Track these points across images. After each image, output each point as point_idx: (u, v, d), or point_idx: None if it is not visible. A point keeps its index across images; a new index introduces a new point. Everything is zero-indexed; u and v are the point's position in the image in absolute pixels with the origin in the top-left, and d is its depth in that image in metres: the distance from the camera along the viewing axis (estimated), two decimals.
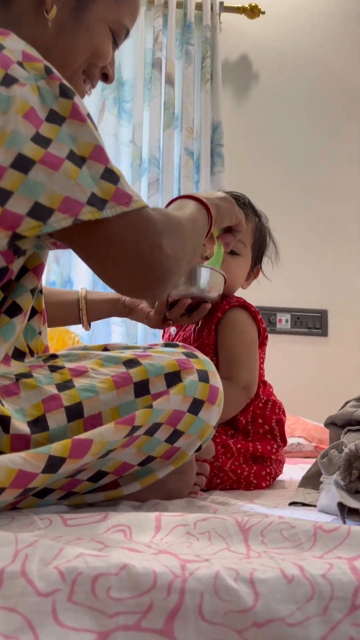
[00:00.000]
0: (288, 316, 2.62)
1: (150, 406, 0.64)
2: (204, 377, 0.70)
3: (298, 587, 0.40)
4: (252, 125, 2.68)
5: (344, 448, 0.69)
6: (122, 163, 2.47)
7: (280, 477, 1.13)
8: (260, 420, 1.08)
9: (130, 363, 0.68)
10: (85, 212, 0.59)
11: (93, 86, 0.76)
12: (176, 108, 2.53)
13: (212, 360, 1.09)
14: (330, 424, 0.87)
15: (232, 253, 1.14)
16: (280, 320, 2.61)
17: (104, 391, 0.64)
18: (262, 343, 1.15)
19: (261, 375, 1.14)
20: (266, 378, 1.17)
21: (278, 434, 1.10)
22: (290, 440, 1.76)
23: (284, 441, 1.11)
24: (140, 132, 2.47)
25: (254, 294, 1.31)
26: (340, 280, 2.66)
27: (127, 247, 0.62)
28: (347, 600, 0.40)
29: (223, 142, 2.51)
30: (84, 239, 0.63)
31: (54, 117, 0.60)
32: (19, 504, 0.61)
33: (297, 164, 2.69)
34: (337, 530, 0.47)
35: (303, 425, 1.81)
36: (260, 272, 1.24)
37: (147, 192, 2.43)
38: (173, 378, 0.68)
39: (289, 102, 2.71)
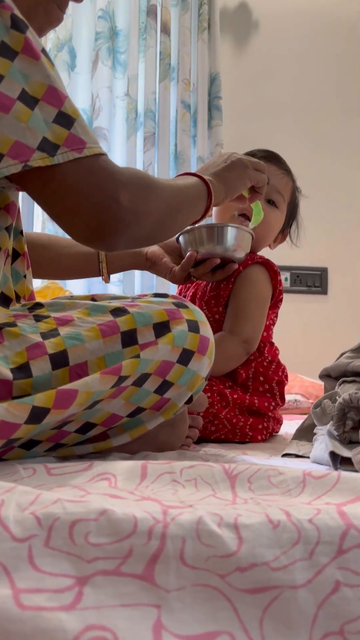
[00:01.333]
0: (288, 274, 2.58)
1: (138, 356, 0.62)
2: (194, 327, 0.67)
3: (284, 532, 0.39)
4: (251, 77, 2.59)
5: (337, 398, 0.68)
6: (117, 117, 2.40)
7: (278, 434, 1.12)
8: (261, 378, 1.07)
9: (118, 312, 0.66)
10: (35, 157, 0.57)
11: (62, 11, 0.71)
12: (172, 59, 2.44)
13: (222, 311, 1.09)
14: (325, 375, 0.85)
15: (271, 203, 1.13)
16: None
17: (90, 340, 0.62)
18: (275, 305, 1.14)
19: (269, 336, 1.13)
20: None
21: (277, 393, 1.09)
22: (287, 397, 1.75)
23: (283, 401, 1.10)
24: (135, 84, 2.39)
25: None
26: (340, 237, 2.62)
27: (81, 196, 0.60)
28: (334, 545, 0.39)
29: (221, 95, 2.43)
30: (38, 186, 0.61)
31: (5, 51, 0.56)
32: (5, 455, 0.60)
33: (299, 117, 2.61)
34: (327, 476, 0.46)
35: (300, 383, 1.80)
36: (288, 238, 1.23)
37: (142, 146, 2.37)
38: (162, 328, 0.66)
39: (290, 52, 2.61)
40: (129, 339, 0.64)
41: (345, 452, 0.59)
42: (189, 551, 0.38)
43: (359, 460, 0.53)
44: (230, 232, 1.01)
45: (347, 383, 0.78)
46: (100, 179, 0.61)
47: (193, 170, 0.90)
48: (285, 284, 2.58)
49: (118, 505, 0.40)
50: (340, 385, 0.78)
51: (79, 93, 2.36)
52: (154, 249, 1.08)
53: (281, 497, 0.45)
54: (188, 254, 1.02)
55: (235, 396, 1.02)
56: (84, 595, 0.36)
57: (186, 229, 1.02)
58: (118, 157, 2.37)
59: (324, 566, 0.38)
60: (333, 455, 0.61)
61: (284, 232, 1.23)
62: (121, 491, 0.46)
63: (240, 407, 1.02)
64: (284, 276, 2.58)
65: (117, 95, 2.41)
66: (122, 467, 0.51)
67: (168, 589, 0.37)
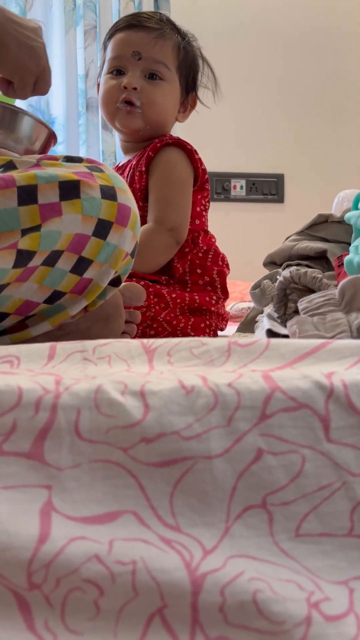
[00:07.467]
0: (243, 182, 2.49)
1: (39, 227, 0.53)
2: (110, 193, 0.58)
3: (198, 398, 0.33)
4: None
5: (278, 277, 0.62)
6: (53, 8, 2.18)
7: (224, 333, 1.07)
8: (199, 271, 1.00)
9: (15, 169, 0.56)
10: None
11: None
12: None
13: (144, 205, 1.00)
14: (270, 263, 0.79)
15: (153, 77, 0.99)
16: (234, 187, 2.48)
17: None
18: (202, 187, 1.04)
19: (202, 224, 1.05)
20: (221, 246, 1.08)
21: (219, 286, 1.02)
22: (240, 305, 1.71)
23: (225, 294, 1.04)
24: None
25: (204, 158, 1.14)
26: (296, 141, 2.51)
27: None
28: (256, 409, 0.33)
29: None
30: None
31: None
32: None
33: (256, 6, 2.42)
34: (255, 344, 0.41)
35: None
36: (198, 101, 1.09)
37: (83, 42, 2.18)
38: (70, 189, 0.55)
39: None
40: (28, 195, 0.53)
41: (283, 330, 0.54)
42: (85, 423, 0.32)
43: (294, 330, 0.48)
44: (27, 122, 0.73)
45: (292, 267, 0.72)
46: None
47: None
48: (241, 192, 2.49)
49: (1, 378, 0.34)
50: (283, 270, 0.72)
51: None
52: None
53: (203, 368, 0.40)
54: None
55: (174, 295, 0.95)
56: None
57: None
58: (57, 53, 2.17)
59: (244, 433, 0.33)
60: (270, 333, 0.55)
61: (191, 97, 1.07)
62: (19, 370, 0.39)
63: (181, 307, 0.95)
64: (239, 184, 2.48)
65: None
66: (27, 349, 0.45)
67: (60, 467, 0.31)
